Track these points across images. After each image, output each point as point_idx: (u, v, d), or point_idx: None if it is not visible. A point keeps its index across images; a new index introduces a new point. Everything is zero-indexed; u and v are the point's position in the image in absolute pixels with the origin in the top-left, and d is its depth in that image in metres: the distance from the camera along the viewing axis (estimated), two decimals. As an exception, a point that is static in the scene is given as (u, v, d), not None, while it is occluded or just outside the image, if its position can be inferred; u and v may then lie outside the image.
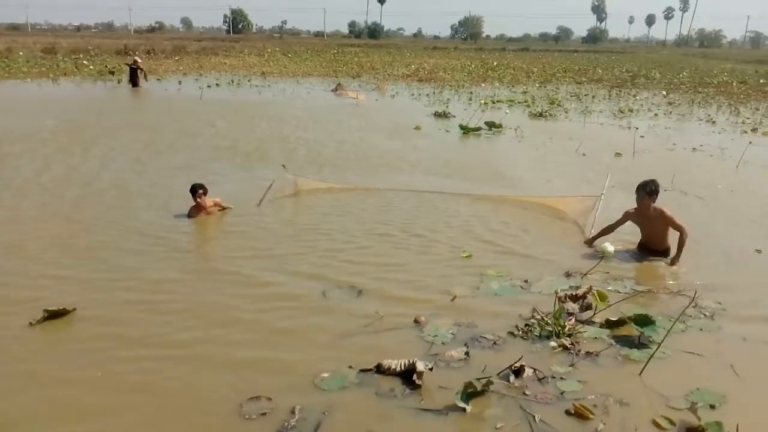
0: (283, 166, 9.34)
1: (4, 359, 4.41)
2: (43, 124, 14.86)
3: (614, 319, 5.06)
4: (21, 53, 41.38)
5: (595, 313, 5.18)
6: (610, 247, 6.58)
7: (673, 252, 6.64)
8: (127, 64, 26.51)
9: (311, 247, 6.88)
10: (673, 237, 6.68)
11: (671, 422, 3.77)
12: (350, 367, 4.33)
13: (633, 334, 4.84)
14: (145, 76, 26.07)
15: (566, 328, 4.90)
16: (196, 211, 7.85)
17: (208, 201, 7.89)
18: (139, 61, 26.62)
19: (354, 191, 9.45)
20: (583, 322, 5.09)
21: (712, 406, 3.97)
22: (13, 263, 6.17)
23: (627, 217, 6.90)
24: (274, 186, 8.65)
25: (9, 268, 6.04)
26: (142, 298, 5.43)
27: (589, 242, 7.10)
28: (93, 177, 9.99)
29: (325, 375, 4.23)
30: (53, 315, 4.95)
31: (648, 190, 6.60)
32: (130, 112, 19.01)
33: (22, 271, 5.98)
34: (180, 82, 28.36)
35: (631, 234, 7.10)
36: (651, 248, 6.79)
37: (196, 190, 7.79)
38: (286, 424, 3.69)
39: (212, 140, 13.61)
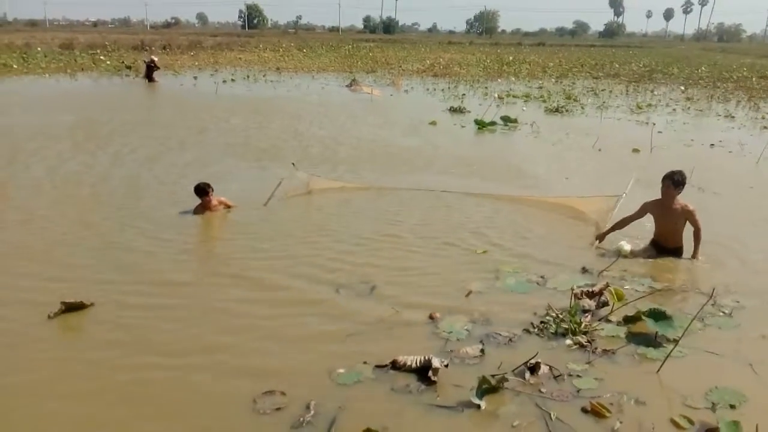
0: (293, 164, 9.21)
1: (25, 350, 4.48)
2: (59, 120, 15.01)
3: (631, 315, 5.01)
4: (39, 49, 41.84)
5: (612, 311, 5.13)
6: (626, 246, 6.44)
7: (686, 250, 6.54)
8: (145, 62, 26.88)
9: (322, 248, 6.78)
10: (686, 235, 6.56)
11: (690, 421, 3.73)
12: (365, 362, 4.33)
13: (650, 332, 4.79)
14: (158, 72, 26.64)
15: (582, 326, 4.87)
16: (201, 209, 7.81)
17: (213, 200, 7.83)
18: (156, 59, 27.18)
19: (367, 190, 9.31)
20: (599, 320, 5.05)
21: (732, 406, 3.92)
22: (22, 263, 6.15)
23: (646, 209, 6.69)
24: (285, 185, 8.55)
25: (18, 268, 6.03)
26: (154, 301, 5.43)
27: (601, 236, 6.91)
28: (104, 175, 10.00)
29: (341, 371, 4.23)
30: (71, 308, 5.02)
31: (675, 180, 6.36)
32: (145, 108, 19.07)
33: (28, 271, 5.93)
34: (195, 78, 28.51)
35: (644, 231, 7.00)
36: (664, 245, 6.60)
37: (202, 189, 7.75)
38: (301, 419, 3.70)
39: (225, 137, 13.57)
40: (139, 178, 9.80)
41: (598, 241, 6.89)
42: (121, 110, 17.25)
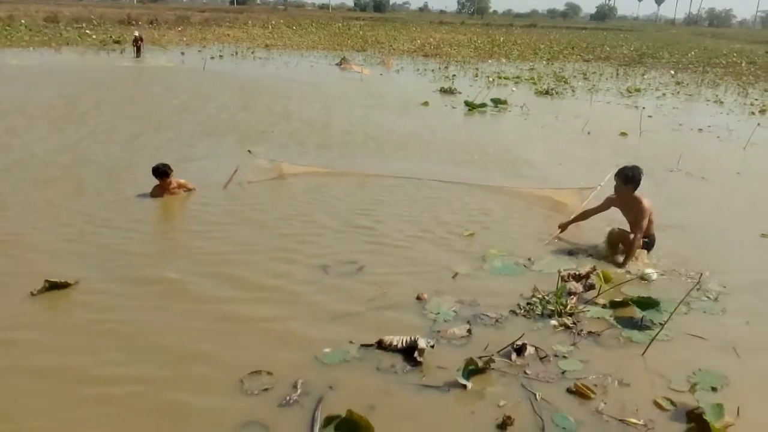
0: (249, 151, 8.83)
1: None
2: (38, 96, 14.61)
3: (617, 300, 5.04)
4: (23, 21, 40.99)
5: (599, 294, 5.15)
6: (654, 276, 5.65)
7: (658, 245, 6.21)
8: (134, 39, 26.86)
9: (296, 233, 6.53)
10: (657, 225, 6.25)
11: (672, 403, 3.77)
12: (351, 342, 4.33)
13: (636, 315, 4.83)
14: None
15: (568, 307, 4.89)
16: (159, 191, 7.44)
17: (173, 182, 7.50)
18: (138, 34, 27.54)
19: (343, 176, 8.82)
20: (586, 302, 5.08)
21: (714, 388, 3.97)
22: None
23: (610, 202, 6.38)
24: (253, 169, 8.27)
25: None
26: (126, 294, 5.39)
27: (564, 226, 6.57)
28: (76, 157, 9.46)
29: (327, 350, 4.23)
30: (54, 286, 4.96)
31: (625, 176, 6.02)
32: (128, 85, 18.45)
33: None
34: (183, 54, 28.15)
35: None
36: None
37: (162, 171, 7.39)
38: (288, 398, 3.70)
39: (208, 116, 13.19)
40: (111, 161, 9.23)
41: (559, 231, 6.57)
42: (104, 87, 16.92)
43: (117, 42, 31.04)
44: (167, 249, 6.21)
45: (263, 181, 8.34)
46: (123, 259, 5.70)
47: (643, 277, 5.58)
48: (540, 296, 5.06)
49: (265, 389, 3.81)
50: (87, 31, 37.23)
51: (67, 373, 3.93)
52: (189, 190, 7.71)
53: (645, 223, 5.95)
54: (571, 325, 4.68)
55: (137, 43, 26.76)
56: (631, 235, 5.96)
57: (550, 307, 4.89)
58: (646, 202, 6.01)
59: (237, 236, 6.42)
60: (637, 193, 6.05)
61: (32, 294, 4.85)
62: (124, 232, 6.42)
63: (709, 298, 5.30)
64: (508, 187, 8.39)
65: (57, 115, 12.67)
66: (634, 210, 6.05)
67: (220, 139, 11.15)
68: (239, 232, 6.53)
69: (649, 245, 6.15)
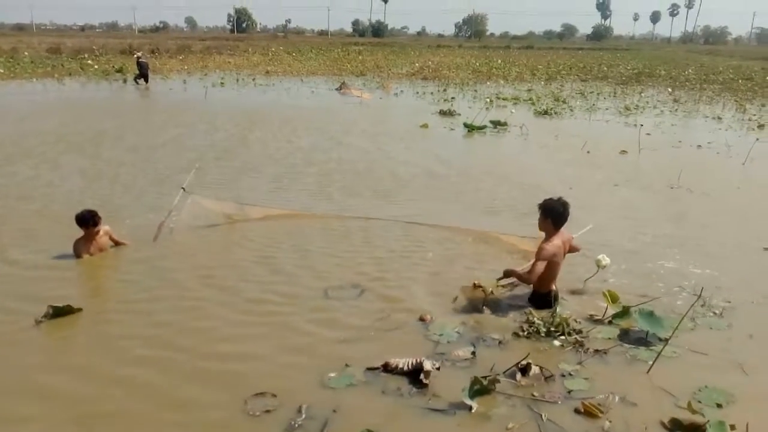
0: (183, 188, 7.25)
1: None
2: (22, 129, 14.33)
3: (621, 316, 5.03)
4: (26, 53, 41.50)
5: (605, 314, 5.12)
6: (605, 260, 5.54)
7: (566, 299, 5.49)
8: (138, 60, 26.98)
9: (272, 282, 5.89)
10: (560, 279, 5.45)
11: (678, 422, 3.74)
12: (347, 365, 4.33)
13: (641, 332, 4.81)
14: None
15: (569, 326, 4.87)
16: (85, 246, 6.27)
17: (100, 230, 6.38)
18: (140, 54, 27.63)
19: (312, 218, 7.86)
20: (591, 321, 5.07)
21: (719, 405, 3.94)
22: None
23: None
24: (199, 212, 7.26)
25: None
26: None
27: (509, 273, 5.41)
28: (28, 197, 8.65)
29: (332, 374, 4.22)
30: (59, 313, 4.96)
31: (543, 209, 5.28)
32: (125, 115, 17.76)
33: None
34: (185, 81, 28.44)
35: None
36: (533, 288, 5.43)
37: (85, 218, 6.23)
38: (293, 422, 3.69)
39: (204, 149, 12.39)
40: (69, 200, 8.37)
41: (502, 277, 5.46)
42: (97, 118, 16.44)
43: (119, 71, 31.35)
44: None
45: (210, 226, 7.37)
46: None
47: (597, 264, 5.51)
48: (534, 319, 5.00)
49: (268, 410, 3.81)
50: (89, 62, 37.64)
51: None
52: (117, 243, 6.61)
53: (538, 265, 5.13)
54: (576, 344, 4.66)
55: (141, 64, 26.32)
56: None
57: (552, 328, 4.86)
58: (551, 245, 5.17)
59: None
60: (563, 230, 5.33)
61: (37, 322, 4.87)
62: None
63: (714, 313, 5.29)
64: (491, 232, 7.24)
65: (31, 148, 12.02)
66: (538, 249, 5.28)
67: (211, 172, 10.79)
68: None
69: (542, 302, 5.27)
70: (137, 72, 26.78)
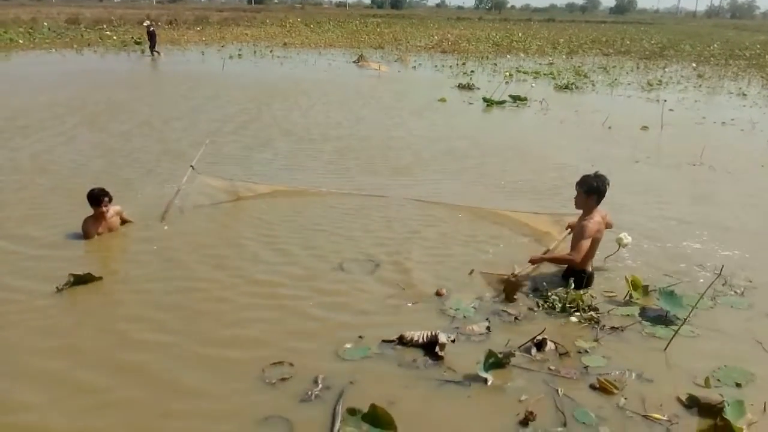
0: (192, 167, 7.19)
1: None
2: (39, 100, 14.28)
3: (640, 297, 4.98)
4: (45, 23, 41.61)
5: (626, 298, 5.02)
6: (626, 238, 5.40)
7: (597, 281, 5.31)
8: (147, 30, 26.84)
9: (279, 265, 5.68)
10: (597, 258, 5.42)
11: (695, 399, 3.72)
12: (360, 336, 4.35)
13: (660, 311, 4.76)
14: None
15: (584, 302, 4.83)
16: (94, 226, 6.09)
17: (110, 210, 6.18)
18: (150, 24, 27.46)
19: (318, 196, 7.66)
20: (611, 300, 5.03)
21: (738, 384, 3.91)
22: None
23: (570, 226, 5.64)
24: (205, 190, 7.18)
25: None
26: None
27: (535, 261, 5.30)
28: (31, 173, 8.45)
29: (348, 345, 4.25)
30: (80, 281, 5.02)
31: (585, 187, 5.16)
32: (140, 87, 17.72)
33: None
34: (203, 53, 28.40)
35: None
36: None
37: (99, 198, 6.02)
38: (309, 393, 3.72)
39: (219, 123, 12.20)
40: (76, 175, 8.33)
41: (532, 266, 5.33)
42: (114, 90, 16.42)
43: (138, 43, 31.37)
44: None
45: (216, 204, 7.21)
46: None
47: (618, 242, 5.36)
48: (550, 293, 4.97)
49: (284, 378, 3.86)
50: (107, 32, 37.69)
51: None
52: (126, 222, 6.46)
53: (583, 243, 5.03)
54: (593, 321, 4.63)
55: (150, 36, 26.31)
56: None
57: (569, 304, 4.83)
58: (593, 222, 5.10)
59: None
60: (600, 207, 5.25)
61: (58, 289, 4.93)
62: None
63: (735, 292, 5.22)
64: (499, 210, 7.06)
65: (39, 121, 11.83)
66: (577, 226, 5.26)
67: (231, 143, 10.78)
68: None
69: (578, 281, 5.05)
70: (149, 42, 26.72)
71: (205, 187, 7.21)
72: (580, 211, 5.36)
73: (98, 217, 6.10)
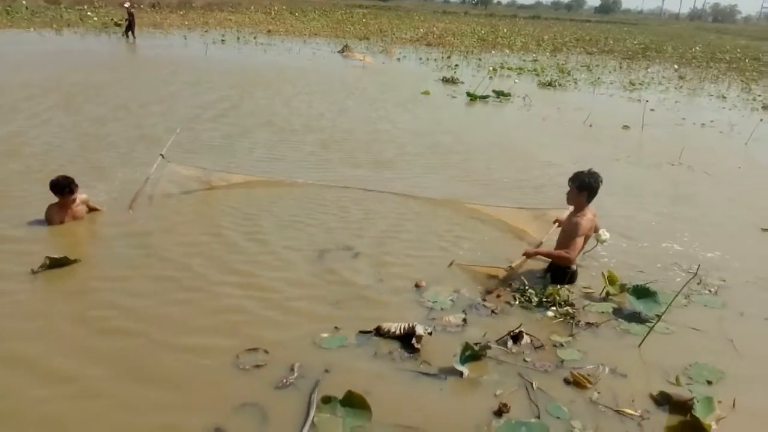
0: (162, 155, 7.00)
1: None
2: (14, 80, 13.99)
3: (616, 294, 5.03)
4: (24, 2, 40.71)
5: (604, 294, 5.07)
6: (605, 235, 5.26)
7: (581, 276, 5.30)
8: (128, 12, 26.27)
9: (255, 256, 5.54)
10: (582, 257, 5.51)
11: (667, 395, 3.76)
12: (336, 327, 4.33)
13: (635, 308, 4.81)
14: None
15: (561, 297, 4.86)
16: (59, 211, 5.83)
17: (77, 199, 5.90)
18: (129, 7, 26.73)
19: (288, 186, 7.54)
20: (587, 296, 5.07)
21: (709, 382, 3.97)
22: None
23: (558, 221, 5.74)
24: (175, 178, 6.98)
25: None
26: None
27: (529, 254, 5.39)
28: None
29: (324, 335, 4.23)
30: (56, 264, 4.94)
31: (578, 183, 5.19)
32: (119, 69, 17.36)
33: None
34: (185, 38, 28.00)
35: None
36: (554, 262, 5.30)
37: (61, 186, 5.72)
38: (285, 380, 3.70)
39: (199, 110, 12.00)
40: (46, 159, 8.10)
41: (525, 258, 5.38)
42: (92, 71, 16.10)
43: (118, 25, 30.84)
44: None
45: (187, 193, 7.04)
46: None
47: (596, 239, 5.29)
48: (525, 287, 5.00)
49: (258, 365, 3.83)
50: (89, 13, 37.00)
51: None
52: (93, 209, 6.21)
53: (578, 241, 5.09)
54: (568, 316, 4.66)
55: (129, 18, 25.64)
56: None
57: (545, 299, 4.86)
58: (586, 219, 5.16)
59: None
60: (591, 205, 5.30)
61: (33, 271, 4.85)
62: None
63: (709, 291, 5.30)
64: (473, 205, 7.06)
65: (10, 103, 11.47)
66: (568, 222, 5.30)
67: (206, 130, 10.61)
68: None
69: (562, 276, 5.13)
70: (126, 24, 25.95)
71: (176, 176, 7.01)
72: (565, 207, 5.42)
73: (63, 206, 5.83)
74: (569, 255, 5.08)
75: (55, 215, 5.83)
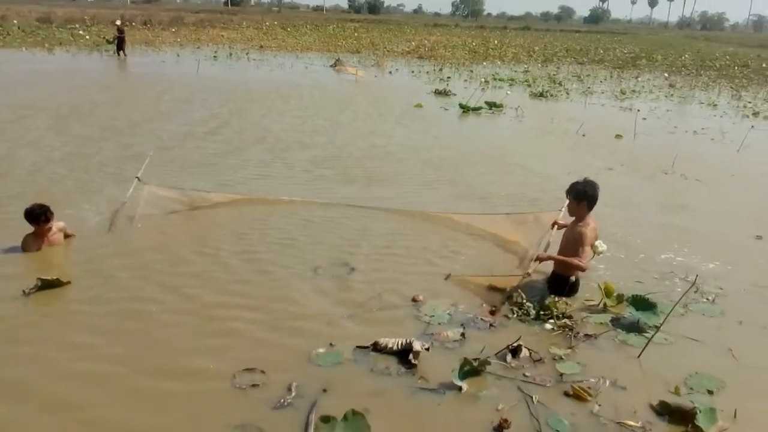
0: (137, 178, 6.76)
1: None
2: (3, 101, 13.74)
3: (614, 305, 5.00)
4: (15, 21, 40.75)
5: (602, 305, 5.04)
6: (602, 246, 5.13)
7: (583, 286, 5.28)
8: (117, 30, 26.23)
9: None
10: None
11: (668, 406, 3.73)
12: (331, 344, 4.29)
13: (633, 318, 4.79)
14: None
15: (558, 310, 4.84)
16: (35, 243, 5.64)
17: (53, 227, 5.71)
18: (121, 25, 26.68)
19: (277, 204, 7.40)
20: (583, 310, 5.04)
21: (710, 391, 3.94)
22: None
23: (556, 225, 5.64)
24: (152, 200, 6.74)
25: None
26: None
27: (539, 258, 5.28)
28: None
29: (320, 350, 4.18)
30: (48, 285, 4.88)
31: (574, 193, 5.22)
32: (111, 88, 17.32)
33: None
34: (178, 55, 28.06)
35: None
36: (556, 271, 5.32)
37: (36, 215, 5.53)
38: (282, 400, 3.65)
39: (191, 127, 11.93)
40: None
41: (537, 263, 5.26)
42: (83, 91, 15.93)
43: (110, 42, 30.86)
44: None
45: (168, 214, 6.84)
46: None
47: (593, 250, 5.15)
48: (522, 300, 4.97)
49: (255, 385, 3.79)
50: (80, 32, 37.02)
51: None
52: (69, 236, 5.98)
53: (586, 250, 5.03)
54: (567, 328, 4.64)
55: (120, 35, 25.48)
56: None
57: (542, 312, 4.84)
58: (590, 228, 5.13)
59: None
60: (592, 213, 5.27)
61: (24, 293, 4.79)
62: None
63: (707, 300, 5.29)
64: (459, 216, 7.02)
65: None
66: (571, 233, 5.25)
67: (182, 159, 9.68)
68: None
69: (564, 287, 5.16)
70: (117, 42, 25.80)
71: (154, 198, 6.76)
72: (558, 210, 5.46)
73: (39, 235, 5.64)
74: (583, 264, 5.05)
75: (31, 244, 5.64)
